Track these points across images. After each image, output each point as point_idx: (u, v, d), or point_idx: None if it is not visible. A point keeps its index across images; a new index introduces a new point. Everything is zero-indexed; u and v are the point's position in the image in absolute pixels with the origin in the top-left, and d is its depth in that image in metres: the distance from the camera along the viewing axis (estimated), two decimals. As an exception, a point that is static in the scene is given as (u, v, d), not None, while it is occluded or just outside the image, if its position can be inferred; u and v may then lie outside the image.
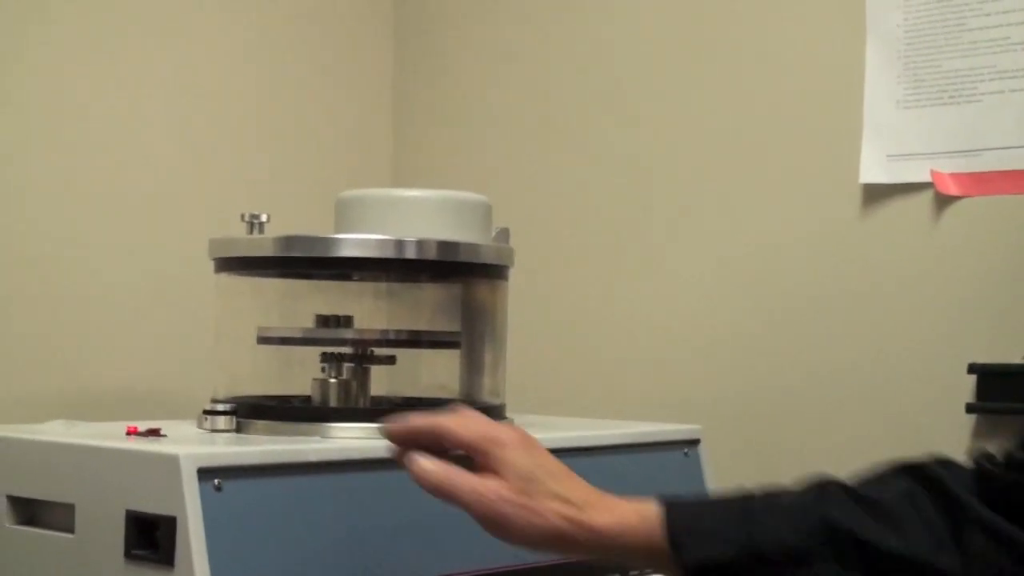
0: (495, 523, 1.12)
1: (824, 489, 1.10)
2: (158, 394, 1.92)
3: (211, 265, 1.58)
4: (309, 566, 1.26)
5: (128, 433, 1.37)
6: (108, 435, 1.36)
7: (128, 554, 1.23)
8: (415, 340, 1.57)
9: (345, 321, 1.53)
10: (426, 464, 1.14)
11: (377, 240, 1.48)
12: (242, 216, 1.52)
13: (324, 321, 1.52)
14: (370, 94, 2.31)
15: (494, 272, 1.59)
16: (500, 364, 1.60)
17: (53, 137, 1.87)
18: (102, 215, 1.92)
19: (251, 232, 1.52)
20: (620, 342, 2.01)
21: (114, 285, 1.92)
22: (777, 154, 1.89)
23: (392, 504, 1.34)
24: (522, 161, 2.20)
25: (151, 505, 1.22)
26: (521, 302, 1.70)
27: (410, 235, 1.50)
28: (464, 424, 1.15)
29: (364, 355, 1.54)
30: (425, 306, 1.65)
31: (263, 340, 1.53)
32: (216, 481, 1.21)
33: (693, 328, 1.97)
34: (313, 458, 1.30)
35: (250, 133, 2.12)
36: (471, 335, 1.59)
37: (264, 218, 1.51)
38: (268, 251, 1.50)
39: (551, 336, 2.09)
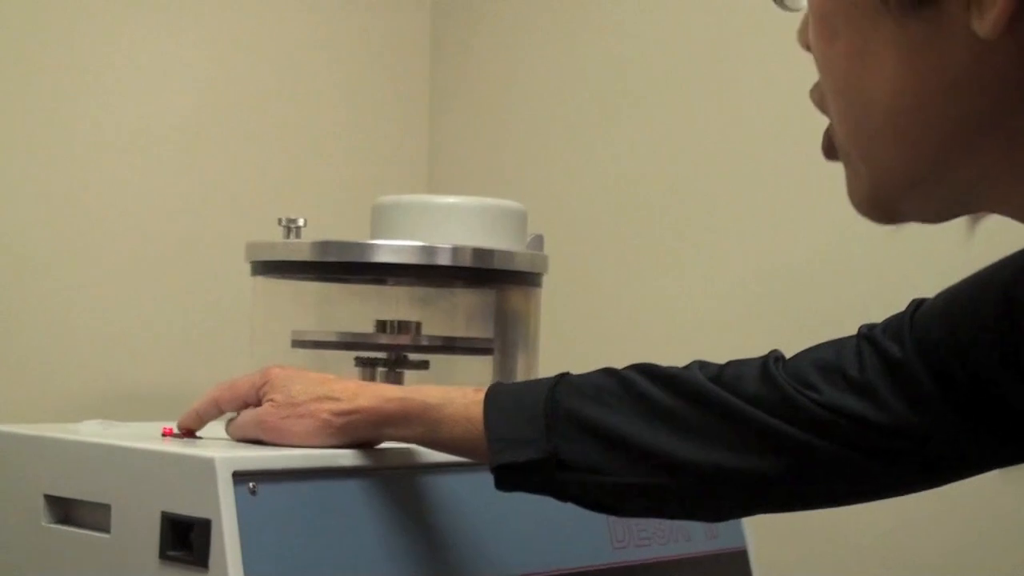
0: (278, 435, 1.30)
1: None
2: (193, 395, 1.91)
3: (248, 268, 1.59)
4: (343, 571, 1.26)
5: (163, 434, 1.37)
6: (144, 436, 1.36)
7: (163, 555, 1.23)
8: (449, 346, 1.58)
9: (393, 326, 1.54)
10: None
11: (412, 247, 1.50)
12: (279, 220, 1.53)
13: (382, 327, 1.54)
14: (406, 101, 2.31)
15: (528, 279, 1.60)
16: (533, 370, 1.61)
17: (91, 138, 1.88)
18: (141, 217, 1.92)
19: (288, 236, 1.53)
20: (653, 349, 2.01)
21: (151, 286, 1.93)
22: (809, 161, 1.89)
23: (427, 509, 1.34)
24: (557, 168, 2.20)
25: (186, 507, 1.21)
26: (554, 308, 1.71)
27: (445, 242, 1.51)
28: (233, 384, 1.35)
29: (398, 360, 1.54)
30: (459, 312, 1.65)
31: (297, 344, 1.55)
32: (251, 484, 1.21)
33: (728, 335, 1.97)
34: (347, 463, 1.30)
35: (288, 139, 2.12)
36: (504, 341, 1.60)
37: (301, 222, 1.53)
38: (304, 255, 1.51)
39: (584, 343, 2.09)
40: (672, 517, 1.37)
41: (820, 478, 1.13)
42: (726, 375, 1.16)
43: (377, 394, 1.30)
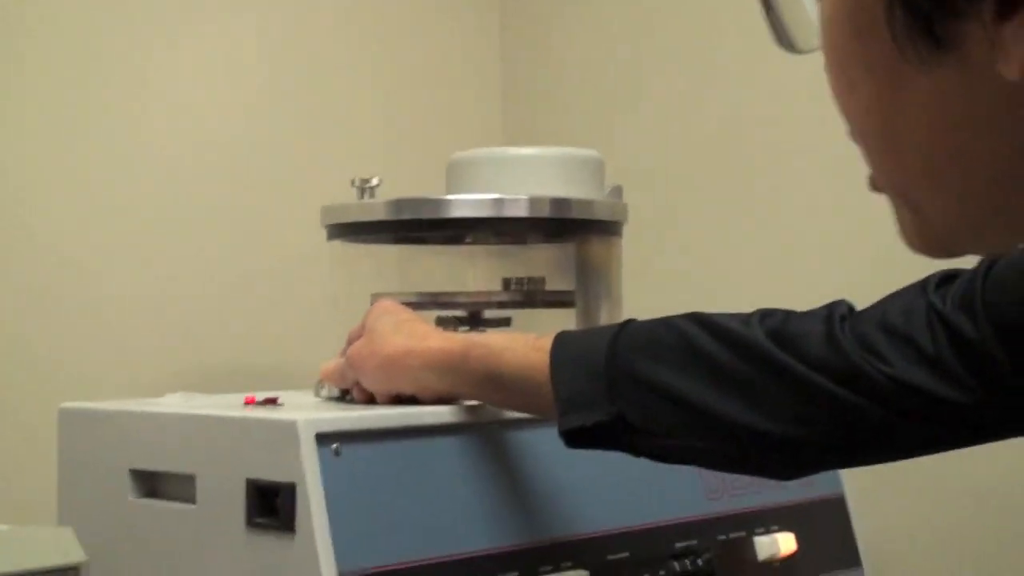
0: (358, 370, 1.35)
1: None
2: (274, 365, 1.94)
3: (324, 233, 1.59)
4: (430, 529, 1.26)
5: (245, 403, 1.37)
6: (226, 405, 1.37)
7: (250, 522, 1.23)
8: (530, 300, 1.57)
9: (528, 281, 1.57)
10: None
11: (488, 199, 1.50)
12: (352, 181, 1.53)
13: (506, 284, 1.57)
14: (478, 55, 2.31)
15: (608, 228, 1.59)
16: (616, 321, 1.58)
17: (166, 109, 1.89)
18: (217, 187, 1.93)
19: (362, 197, 1.53)
20: (734, 296, 1.99)
21: (228, 257, 1.94)
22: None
23: (514, 465, 1.34)
24: (632, 118, 2.20)
25: (271, 472, 1.22)
26: (635, 260, 1.70)
27: (522, 194, 1.50)
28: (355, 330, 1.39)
29: (479, 318, 1.54)
30: (539, 265, 1.64)
31: None
32: (335, 446, 1.21)
33: (806, 281, 1.95)
34: (431, 420, 1.30)
35: (360, 98, 2.13)
36: (586, 293, 1.59)
37: (375, 182, 1.53)
38: (379, 215, 1.52)
39: (666, 292, 2.06)
40: (746, 474, 1.37)
41: (885, 444, 1.13)
42: (789, 332, 1.14)
43: (445, 337, 1.33)
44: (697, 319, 1.18)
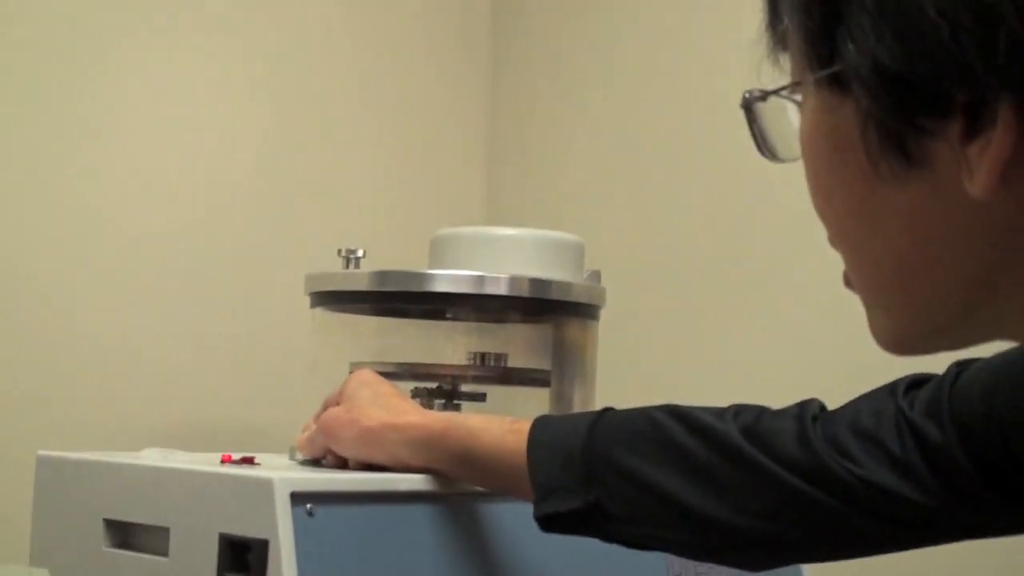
0: (332, 439, 1.36)
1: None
2: (252, 426, 1.94)
3: (307, 300, 1.59)
4: None
5: (222, 461, 1.38)
6: (203, 462, 1.38)
7: None
8: (505, 377, 1.58)
9: (494, 358, 1.58)
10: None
11: (470, 276, 1.51)
12: (339, 251, 1.54)
13: (473, 358, 1.57)
14: (466, 136, 2.33)
15: (585, 311, 1.60)
16: (589, 403, 1.61)
17: (152, 170, 1.90)
18: (202, 249, 1.95)
19: (347, 267, 1.54)
20: (708, 388, 2.00)
21: (211, 318, 1.95)
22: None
23: (484, 538, 1.35)
24: (614, 206, 2.21)
25: (244, 528, 1.22)
26: (611, 344, 1.70)
27: (503, 273, 1.51)
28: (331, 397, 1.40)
29: (455, 391, 1.55)
30: (516, 344, 1.65)
31: None
32: (308, 506, 1.22)
33: (783, 377, 1.95)
34: (406, 487, 1.31)
35: (348, 172, 2.15)
36: (561, 373, 1.60)
37: (360, 253, 1.54)
38: (363, 285, 1.53)
39: (640, 381, 2.07)
40: (717, 563, 1.36)
41: (851, 542, 1.14)
42: (762, 429, 1.15)
43: (423, 414, 1.34)
44: (673, 412, 1.20)
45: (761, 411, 1.17)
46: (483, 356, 1.57)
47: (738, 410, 1.18)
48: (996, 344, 0.84)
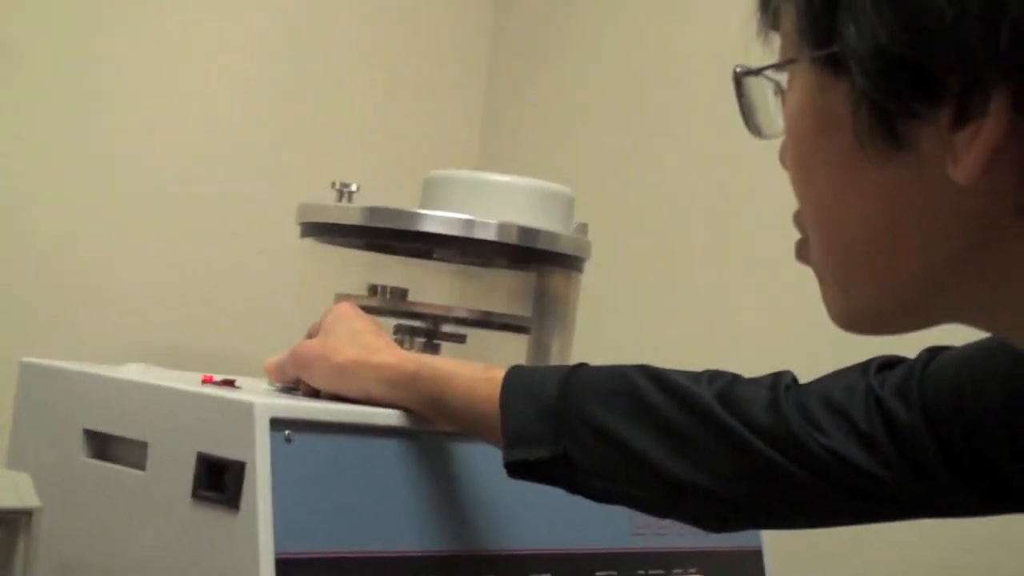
0: (303, 370, 1.37)
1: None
2: (234, 351, 1.95)
3: (297, 230, 1.61)
4: (368, 524, 1.28)
5: (204, 381, 1.38)
6: (185, 380, 1.38)
7: (196, 494, 1.24)
8: (486, 321, 1.60)
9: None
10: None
11: (459, 219, 1.52)
12: (333, 184, 1.55)
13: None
14: (464, 81, 2.35)
15: (570, 263, 1.62)
16: (566, 353, 1.63)
17: (150, 99, 1.92)
18: (199, 176, 1.97)
19: (340, 200, 1.55)
20: (685, 345, 2.03)
21: (203, 245, 1.97)
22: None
23: (453, 475, 1.37)
24: (607, 159, 2.21)
25: (222, 449, 1.23)
26: (592, 297, 1.72)
27: (492, 218, 1.53)
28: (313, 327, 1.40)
29: (435, 331, 1.56)
30: (500, 289, 1.67)
31: None
32: (287, 432, 1.23)
33: (762, 337, 1.99)
34: (381, 421, 1.32)
35: (347, 107, 2.16)
36: (541, 322, 1.62)
37: (354, 187, 1.55)
38: (354, 219, 1.54)
39: (617, 336, 2.10)
40: (678, 521, 1.38)
41: (813, 511, 1.16)
42: (735, 396, 1.17)
43: (396, 354, 1.35)
44: (648, 372, 1.21)
45: (735, 378, 1.19)
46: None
47: (712, 375, 1.19)
48: (965, 332, 0.87)
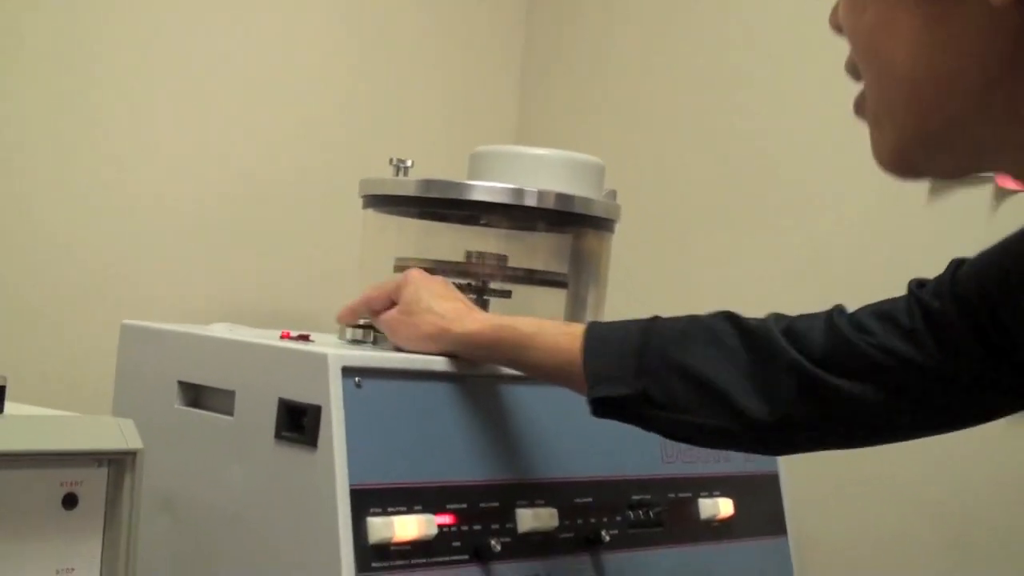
0: (392, 334, 1.44)
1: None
2: (306, 310, 2.01)
3: (359, 202, 1.66)
4: (430, 458, 1.36)
5: (282, 337, 1.46)
6: (265, 336, 1.45)
7: (278, 435, 1.33)
8: (529, 278, 1.65)
9: (482, 257, 1.62)
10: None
11: (504, 188, 1.58)
12: (390, 160, 1.61)
13: (471, 257, 1.64)
14: (502, 65, 2.39)
15: (602, 224, 1.67)
16: (601, 305, 1.68)
17: (225, 78, 1.98)
18: (275, 155, 2.04)
19: (397, 174, 1.61)
20: (705, 301, 2.09)
21: (277, 218, 2.02)
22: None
23: (505, 414, 1.44)
24: (633, 131, 2.22)
25: (300, 395, 1.31)
26: (622, 255, 1.75)
27: (532, 187, 1.58)
28: (381, 285, 1.47)
29: (485, 288, 1.62)
30: (540, 249, 1.72)
31: (399, 270, 1.63)
32: (357, 379, 1.31)
33: (770, 292, 2.00)
34: (440, 368, 1.39)
35: (401, 94, 2.20)
36: (578, 278, 1.66)
37: (409, 163, 1.60)
38: (410, 191, 1.59)
39: (646, 289, 2.13)
40: (741, 451, 1.47)
41: (867, 424, 1.22)
42: (797, 328, 1.23)
43: (479, 319, 1.41)
44: (725, 315, 1.28)
45: (798, 316, 1.26)
46: (476, 254, 1.64)
47: (777, 316, 1.27)
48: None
